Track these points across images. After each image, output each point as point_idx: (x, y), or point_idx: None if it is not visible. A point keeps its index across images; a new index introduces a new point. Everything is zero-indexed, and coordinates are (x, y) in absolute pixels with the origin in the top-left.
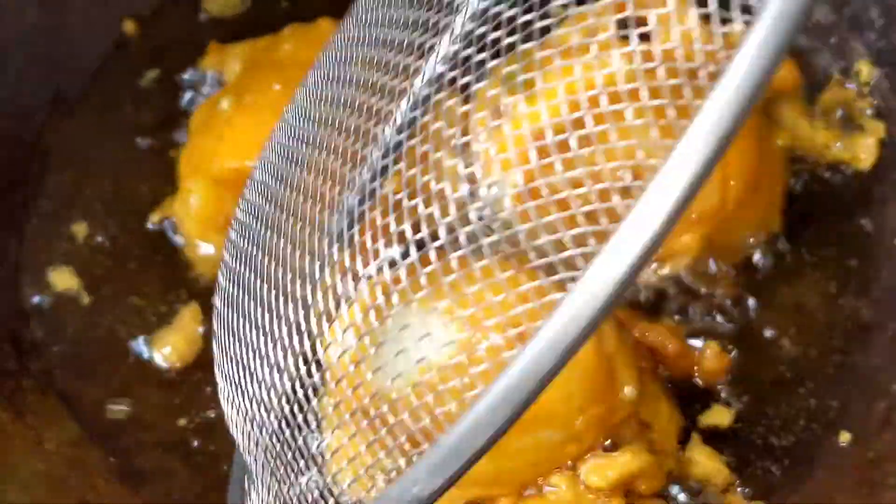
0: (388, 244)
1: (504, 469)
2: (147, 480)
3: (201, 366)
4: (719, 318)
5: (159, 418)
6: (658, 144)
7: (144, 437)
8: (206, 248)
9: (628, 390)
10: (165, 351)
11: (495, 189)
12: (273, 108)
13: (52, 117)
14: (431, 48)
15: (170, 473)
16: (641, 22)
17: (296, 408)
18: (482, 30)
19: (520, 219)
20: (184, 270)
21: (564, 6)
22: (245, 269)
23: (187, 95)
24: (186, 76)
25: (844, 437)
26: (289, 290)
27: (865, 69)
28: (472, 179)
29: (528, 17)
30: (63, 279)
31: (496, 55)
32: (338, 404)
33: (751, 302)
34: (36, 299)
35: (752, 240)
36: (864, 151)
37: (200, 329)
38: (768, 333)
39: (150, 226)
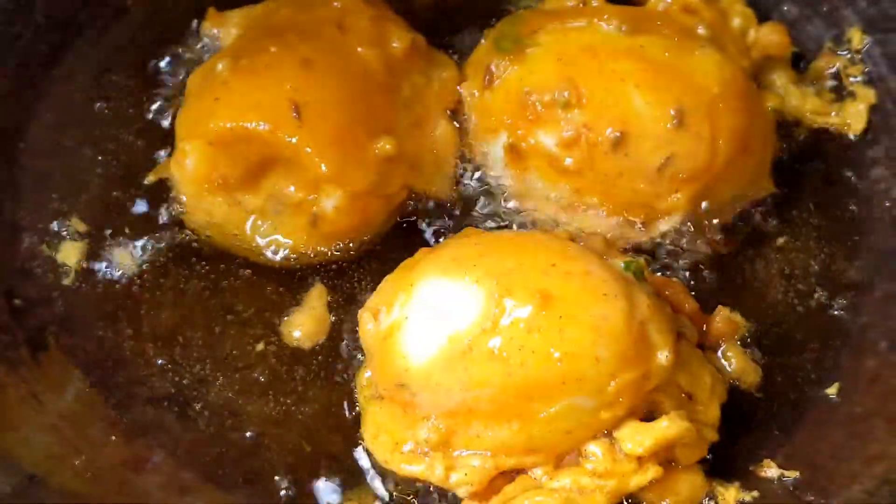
0: None
1: (536, 437)
2: (141, 433)
3: (192, 323)
4: (708, 275)
5: (155, 374)
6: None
7: (139, 392)
8: (199, 209)
9: (662, 356)
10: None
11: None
12: (269, 71)
13: (47, 78)
14: None
15: (164, 427)
16: None
17: None
18: None
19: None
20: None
21: None
22: None
23: (186, 60)
24: (185, 42)
25: (833, 391)
26: None
27: (857, 36)
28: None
29: None
30: (59, 237)
31: None
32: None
33: (741, 261)
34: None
35: (741, 202)
36: (854, 117)
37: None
38: (757, 292)
39: (145, 183)
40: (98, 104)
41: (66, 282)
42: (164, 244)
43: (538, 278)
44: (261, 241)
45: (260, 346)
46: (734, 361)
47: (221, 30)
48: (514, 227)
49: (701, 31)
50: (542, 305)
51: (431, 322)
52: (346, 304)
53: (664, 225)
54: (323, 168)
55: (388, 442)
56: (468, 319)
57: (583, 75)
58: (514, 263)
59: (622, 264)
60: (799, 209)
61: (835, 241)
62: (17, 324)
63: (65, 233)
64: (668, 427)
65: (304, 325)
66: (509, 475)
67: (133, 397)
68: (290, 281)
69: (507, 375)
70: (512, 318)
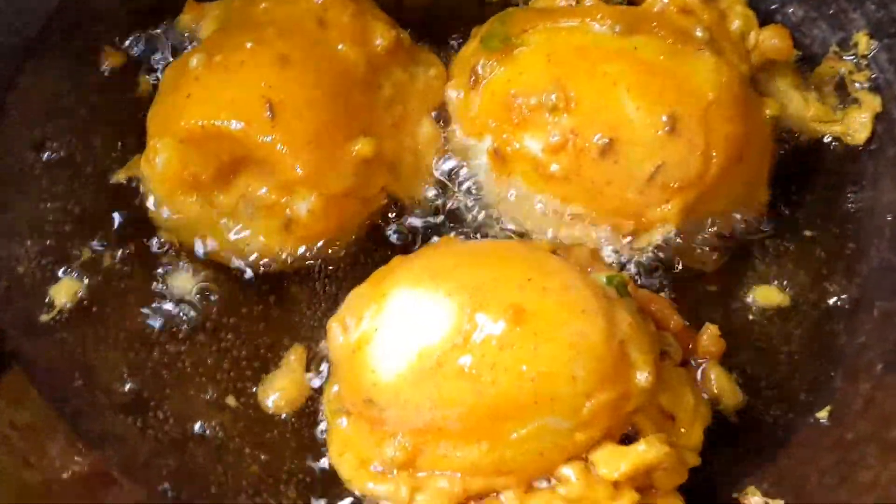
0: None
1: (507, 458)
2: (99, 443)
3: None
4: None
5: (112, 380)
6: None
7: (99, 400)
8: (168, 210)
9: (642, 376)
10: None
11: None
12: (243, 68)
13: (22, 66)
14: None
15: (121, 437)
16: None
17: None
18: None
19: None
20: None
21: None
22: None
23: (163, 54)
24: (163, 35)
25: (823, 415)
26: None
27: (863, 41)
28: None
29: None
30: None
31: None
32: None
33: (733, 276)
34: None
35: (736, 213)
36: (857, 126)
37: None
38: (751, 309)
39: (112, 182)
40: (72, 95)
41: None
42: (132, 247)
43: (513, 293)
44: (232, 244)
45: (223, 347)
46: (716, 382)
47: (201, 23)
48: (496, 235)
49: (699, 33)
50: (515, 321)
51: (401, 336)
52: (320, 314)
53: (653, 236)
54: (297, 169)
55: (353, 460)
56: (439, 334)
57: (572, 77)
58: (489, 276)
59: (604, 279)
60: (795, 221)
61: (832, 256)
62: None
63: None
64: (646, 451)
65: (285, 389)
66: (478, 499)
67: (94, 406)
68: (261, 287)
69: (477, 394)
70: (484, 334)
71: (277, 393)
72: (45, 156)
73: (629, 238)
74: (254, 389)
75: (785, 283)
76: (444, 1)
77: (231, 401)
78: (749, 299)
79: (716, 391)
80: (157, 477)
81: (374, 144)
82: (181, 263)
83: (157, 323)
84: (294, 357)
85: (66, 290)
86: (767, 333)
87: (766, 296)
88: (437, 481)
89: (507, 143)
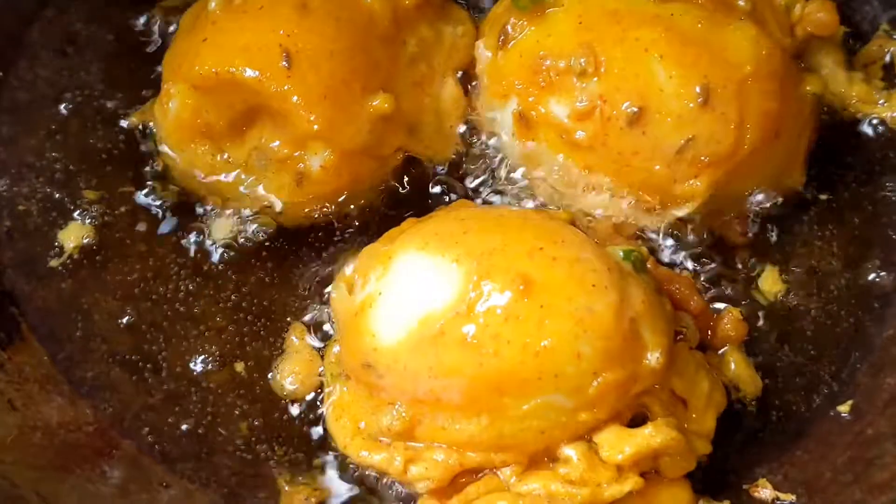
0: None
1: (507, 433)
2: (89, 392)
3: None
4: (726, 274)
5: (111, 330)
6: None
7: (93, 347)
8: (180, 158)
9: (653, 357)
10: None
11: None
12: (262, 13)
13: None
14: None
15: (114, 388)
16: None
17: None
18: None
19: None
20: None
21: None
22: None
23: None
24: None
25: (845, 409)
26: None
27: None
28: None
29: None
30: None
31: None
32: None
33: (761, 258)
34: None
35: (769, 192)
36: None
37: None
38: (779, 295)
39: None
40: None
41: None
42: (142, 195)
43: (521, 261)
44: (243, 196)
45: (230, 304)
46: (735, 368)
47: None
48: (516, 203)
49: (741, 2)
50: (522, 292)
51: (404, 300)
52: (331, 274)
53: (679, 212)
54: (311, 123)
55: (348, 426)
56: (442, 301)
57: (603, 42)
58: (499, 243)
59: (621, 253)
60: (831, 206)
61: (867, 245)
62: None
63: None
64: (652, 435)
65: (297, 371)
66: (475, 474)
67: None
68: (273, 244)
69: (478, 365)
70: (489, 303)
71: (290, 376)
72: (63, 98)
73: (654, 212)
74: (257, 349)
75: (815, 267)
76: None
77: (237, 365)
78: (775, 283)
79: (734, 377)
80: (146, 432)
81: (393, 101)
82: (191, 215)
83: (160, 276)
84: (295, 336)
85: (73, 235)
86: (792, 320)
87: (793, 280)
88: (434, 453)
89: (533, 107)
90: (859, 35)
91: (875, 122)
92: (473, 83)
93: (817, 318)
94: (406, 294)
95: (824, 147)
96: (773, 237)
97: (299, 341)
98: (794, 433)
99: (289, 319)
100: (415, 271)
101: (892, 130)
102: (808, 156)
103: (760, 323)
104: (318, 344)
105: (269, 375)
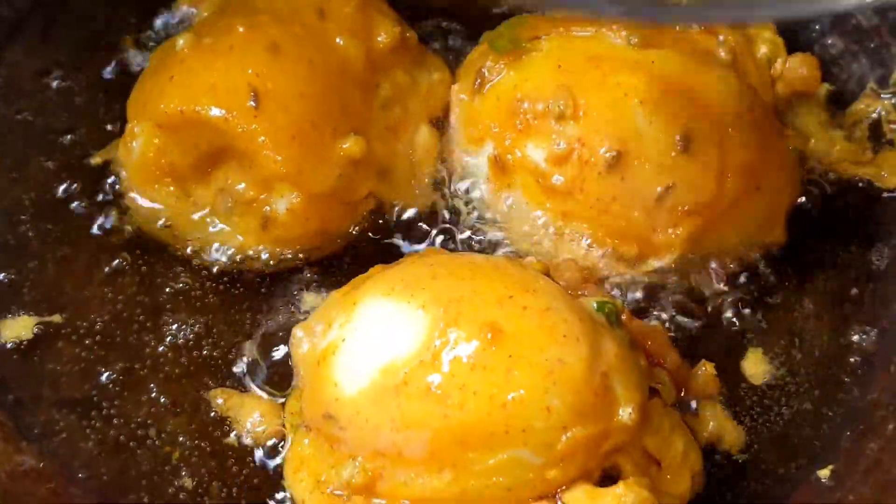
0: None
1: (471, 490)
2: (38, 438)
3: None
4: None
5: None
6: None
7: (44, 393)
8: (144, 199)
9: (625, 413)
10: None
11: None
12: (231, 53)
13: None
14: None
15: (62, 433)
16: None
17: None
18: None
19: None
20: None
21: None
22: None
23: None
24: (161, 18)
25: (825, 473)
26: None
27: None
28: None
29: None
30: None
31: None
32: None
33: (743, 318)
34: None
35: (749, 249)
36: (889, 169)
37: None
38: (759, 353)
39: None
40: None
41: None
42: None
43: (490, 309)
44: (208, 239)
45: (186, 348)
46: (714, 422)
47: (199, 6)
48: (489, 251)
49: (722, 54)
50: (490, 341)
51: (368, 348)
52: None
53: (658, 262)
54: (278, 163)
55: (308, 480)
56: (407, 349)
57: (582, 85)
58: (468, 290)
59: (594, 304)
60: (813, 266)
61: (850, 307)
62: None
63: None
64: (623, 494)
65: (255, 421)
66: None
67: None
68: (235, 288)
69: (442, 417)
70: (455, 351)
71: (248, 425)
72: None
73: (630, 262)
74: (209, 396)
75: (794, 330)
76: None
77: (186, 406)
78: (753, 342)
79: (715, 431)
80: (95, 479)
81: (364, 144)
82: (148, 257)
83: (117, 320)
84: (255, 385)
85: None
86: (771, 381)
87: (774, 342)
88: None
89: (509, 151)
90: (847, 94)
91: (860, 183)
92: (448, 129)
93: (797, 380)
94: (369, 341)
95: (808, 205)
96: (754, 295)
97: (259, 389)
98: (775, 496)
99: (247, 366)
100: (379, 317)
101: (877, 191)
102: (790, 213)
103: (739, 382)
104: (278, 393)
105: (226, 424)
